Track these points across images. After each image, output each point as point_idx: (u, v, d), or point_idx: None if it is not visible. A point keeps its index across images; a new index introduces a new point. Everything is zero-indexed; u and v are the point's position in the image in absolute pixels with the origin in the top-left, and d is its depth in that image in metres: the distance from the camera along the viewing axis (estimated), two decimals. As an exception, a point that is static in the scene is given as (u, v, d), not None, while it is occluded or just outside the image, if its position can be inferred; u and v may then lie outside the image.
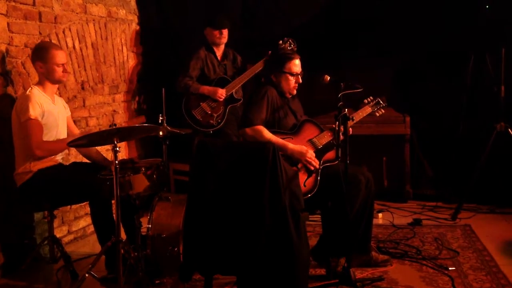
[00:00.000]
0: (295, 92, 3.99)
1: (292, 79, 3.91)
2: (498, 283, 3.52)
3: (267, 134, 3.73)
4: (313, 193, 3.66)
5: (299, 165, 3.73)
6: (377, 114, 4.14)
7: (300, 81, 3.94)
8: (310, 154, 3.73)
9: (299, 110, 4.06)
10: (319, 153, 3.80)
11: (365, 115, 4.09)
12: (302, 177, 3.68)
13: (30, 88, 3.79)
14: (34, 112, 3.66)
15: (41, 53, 3.80)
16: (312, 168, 3.71)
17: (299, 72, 3.93)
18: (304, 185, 3.66)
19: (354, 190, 3.62)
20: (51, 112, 3.82)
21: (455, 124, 5.44)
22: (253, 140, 3.73)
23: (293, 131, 3.87)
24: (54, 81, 3.87)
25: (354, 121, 3.95)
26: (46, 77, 3.82)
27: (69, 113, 4.15)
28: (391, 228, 4.71)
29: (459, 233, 4.55)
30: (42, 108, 3.72)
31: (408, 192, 5.55)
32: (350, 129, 3.93)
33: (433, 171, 5.68)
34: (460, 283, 3.53)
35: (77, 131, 4.16)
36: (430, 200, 5.48)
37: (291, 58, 3.91)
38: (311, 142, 3.85)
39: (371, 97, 4.15)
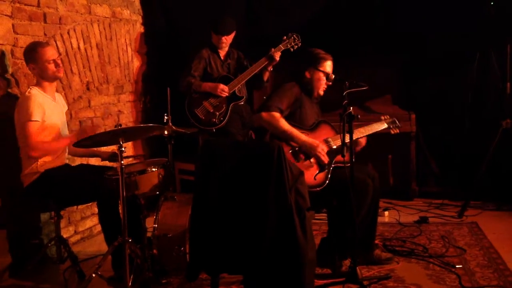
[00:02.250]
0: (322, 93, 3.98)
1: (324, 79, 3.91)
2: (506, 281, 3.50)
3: (283, 122, 3.73)
4: (322, 187, 3.67)
5: (312, 159, 3.74)
6: (392, 132, 4.16)
7: (331, 82, 3.91)
8: (321, 148, 3.74)
9: (319, 115, 4.05)
10: (332, 154, 3.78)
11: (379, 129, 4.09)
12: (314, 170, 3.70)
13: (29, 89, 3.77)
14: (34, 113, 3.65)
15: (30, 55, 3.78)
16: (321, 163, 3.72)
17: (331, 73, 3.92)
18: (315, 179, 3.67)
19: (362, 195, 3.61)
20: (53, 111, 3.83)
21: (460, 121, 5.43)
22: (267, 126, 3.74)
23: (310, 128, 3.88)
24: (49, 79, 3.83)
25: (365, 133, 3.98)
26: (42, 77, 3.80)
27: (66, 108, 4.17)
28: (397, 226, 4.71)
29: (466, 231, 4.54)
30: (43, 109, 3.72)
31: (414, 190, 5.53)
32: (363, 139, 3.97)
33: (439, 168, 5.66)
34: (467, 281, 3.52)
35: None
36: (436, 197, 5.46)
37: (326, 59, 3.91)
38: (326, 141, 3.85)
39: (387, 116, 4.21)
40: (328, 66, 3.92)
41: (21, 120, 3.68)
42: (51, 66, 3.78)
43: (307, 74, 3.93)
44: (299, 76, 3.94)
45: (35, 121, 3.66)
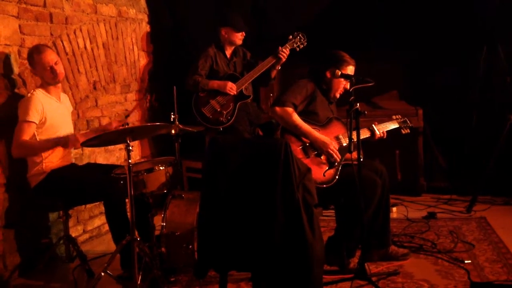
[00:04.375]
0: (338, 96, 3.97)
1: (343, 83, 3.89)
2: (515, 275, 3.50)
3: (295, 117, 3.73)
4: (330, 184, 3.66)
5: (322, 157, 3.73)
6: (403, 132, 4.17)
7: (348, 87, 3.80)
8: (333, 146, 3.73)
9: (333, 114, 4.03)
10: (342, 151, 3.77)
11: (390, 128, 4.10)
12: (323, 167, 3.70)
13: (32, 90, 3.78)
14: (31, 113, 3.66)
15: (30, 60, 3.80)
16: (333, 160, 3.71)
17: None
18: (324, 175, 3.67)
19: (370, 194, 3.60)
20: (56, 112, 3.85)
21: (468, 115, 5.40)
22: (280, 120, 3.75)
23: (322, 124, 3.87)
24: (50, 84, 3.84)
25: (379, 131, 3.98)
26: (44, 81, 3.83)
27: (72, 109, 4.19)
28: (405, 221, 4.69)
29: (474, 226, 4.53)
30: (43, 112, 3.72)
31: (422, 185, 5.51)
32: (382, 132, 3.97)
33: (447, 163, 5.64)
34: (476, 276, 3.51)
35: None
36: (445, 193, 5.44)
37: (349, 63, 3.88)
38: (337, 138, 3.85)
39: (399, 115, 4.22)
40: (350, 70, 3.87)
41: (18, 119, 3.69)
42: (48, 73, 3.78)
43: (328, 74, 3.91)
44: (319, 74, 3.92)
45: (31, 122, 3.68)
